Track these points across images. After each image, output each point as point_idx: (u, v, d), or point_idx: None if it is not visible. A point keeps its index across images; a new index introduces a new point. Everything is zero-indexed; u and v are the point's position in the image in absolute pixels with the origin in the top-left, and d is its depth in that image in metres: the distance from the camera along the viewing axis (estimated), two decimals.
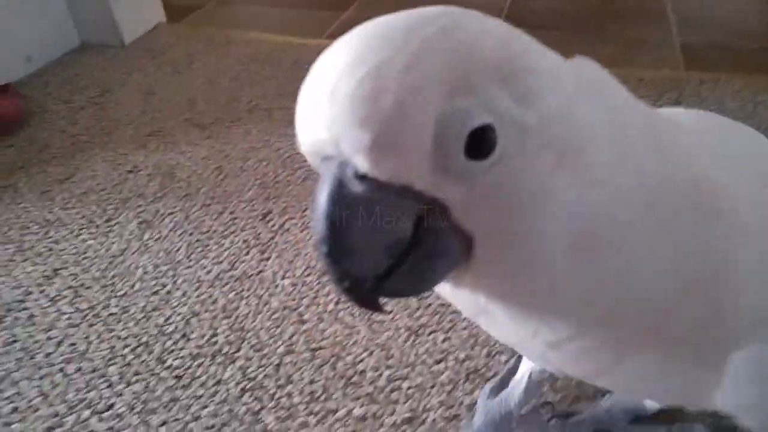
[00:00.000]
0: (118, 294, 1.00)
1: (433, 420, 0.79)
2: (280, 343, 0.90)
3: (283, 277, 1.01)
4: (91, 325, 0.95)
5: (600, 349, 0.46)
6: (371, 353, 0.88)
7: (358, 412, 0.80)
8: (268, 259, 1.05)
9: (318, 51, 0.38)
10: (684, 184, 0.42)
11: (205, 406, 0.82)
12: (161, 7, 1.90)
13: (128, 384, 0.86)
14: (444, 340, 0.89)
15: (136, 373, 0.87)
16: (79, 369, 0.88)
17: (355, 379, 0.84)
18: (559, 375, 0.79)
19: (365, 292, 0.39)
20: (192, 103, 1.50)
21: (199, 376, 0.86)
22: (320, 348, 0.89)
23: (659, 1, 1.91)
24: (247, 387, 0.85)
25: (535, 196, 0.36)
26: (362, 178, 0.35)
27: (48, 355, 0.91)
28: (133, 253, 1.08)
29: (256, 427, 0.79)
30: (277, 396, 0.83)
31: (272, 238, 1.09)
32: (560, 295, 0.41)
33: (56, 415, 0.82)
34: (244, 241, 1.09)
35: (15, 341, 0.93)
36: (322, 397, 0.82)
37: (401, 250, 0.37)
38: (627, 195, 0.39)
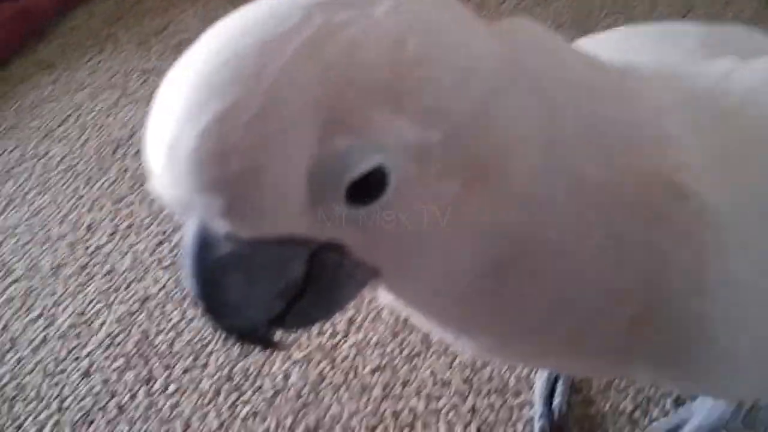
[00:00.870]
0: None
1: None
2: None
3: None
4: None
5: (531, 352, 0.45)
6: None
7: None
8: None
9: None
10: (643, 187, 0.35)
11: None
12: None
13: None
14: None
15: None
16: None
17: None
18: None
19: (260, 338, 0.34)
20: None
21: None
22: None
23: None
24: None
25: (441, 227, 0.31)
26: (230, 235, 0.29)
27: None
28: None
29: None
30: None
31: None
32: (480, 316, 0.38)
33: (164, 233, 0.97)
34: None
35: (126, 171, 1.08)
36: None
37: (295, 290, 0.32)
38: (562, 207, 0.33)
